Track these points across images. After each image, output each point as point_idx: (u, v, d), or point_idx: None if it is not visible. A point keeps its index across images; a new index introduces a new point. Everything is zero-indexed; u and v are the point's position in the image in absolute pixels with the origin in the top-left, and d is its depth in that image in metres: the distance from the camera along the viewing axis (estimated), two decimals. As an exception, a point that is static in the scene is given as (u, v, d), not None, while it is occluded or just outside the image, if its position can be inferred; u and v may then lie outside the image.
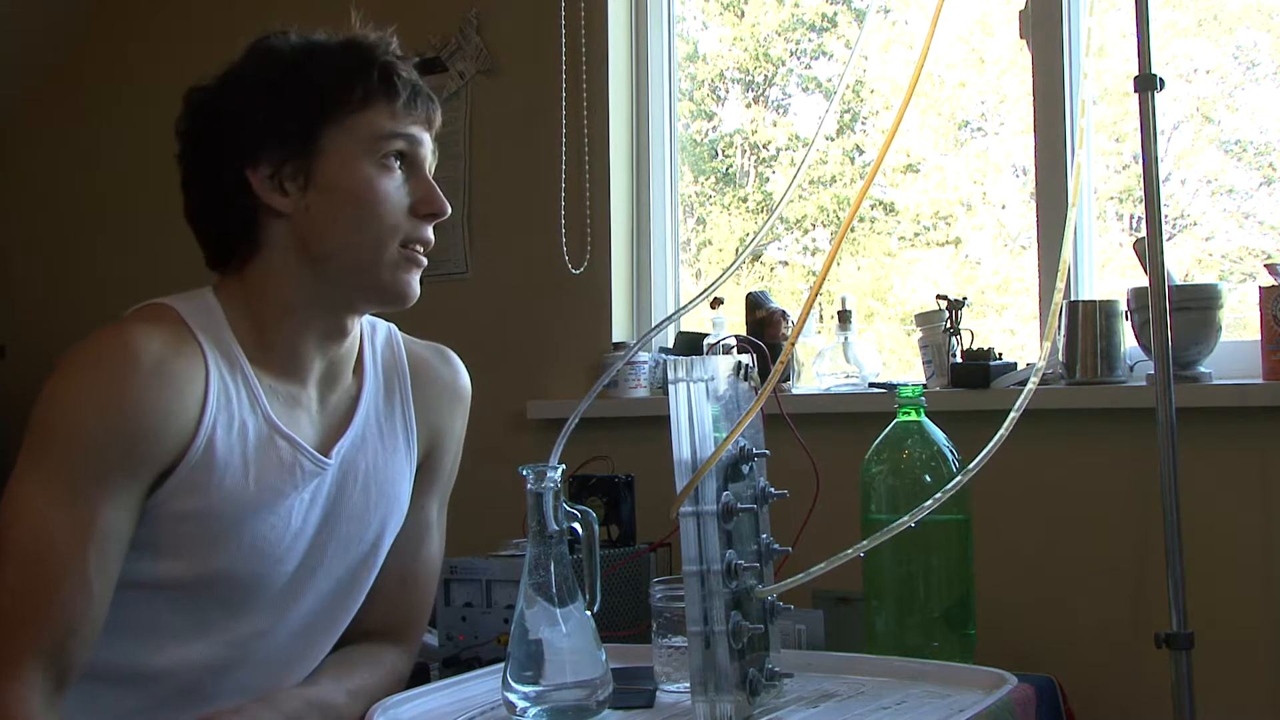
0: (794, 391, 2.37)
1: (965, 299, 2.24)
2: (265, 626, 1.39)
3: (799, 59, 2.92)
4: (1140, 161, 1.75)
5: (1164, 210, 1.86)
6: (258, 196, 1.35)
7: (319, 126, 1.34)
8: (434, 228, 1.41)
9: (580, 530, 1.30)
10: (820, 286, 1.36)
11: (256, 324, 1.37)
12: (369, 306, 1.43)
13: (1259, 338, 2.00)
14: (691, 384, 1.26)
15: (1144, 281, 1.83)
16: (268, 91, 1.36)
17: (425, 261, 1.40)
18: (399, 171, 1.37)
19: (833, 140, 2.84)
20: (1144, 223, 1.77)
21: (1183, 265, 2.40)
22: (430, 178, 1.40)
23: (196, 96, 1.41)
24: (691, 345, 2.46)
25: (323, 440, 1.41)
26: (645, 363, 2.56)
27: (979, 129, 2.72)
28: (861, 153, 2.84)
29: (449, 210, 1.40)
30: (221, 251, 1.40)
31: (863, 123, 2.85)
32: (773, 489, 1.38)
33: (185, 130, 1.41)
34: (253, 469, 1.33)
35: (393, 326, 1.55)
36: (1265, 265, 2.02)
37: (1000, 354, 2.20)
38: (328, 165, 1.34)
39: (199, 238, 1.42)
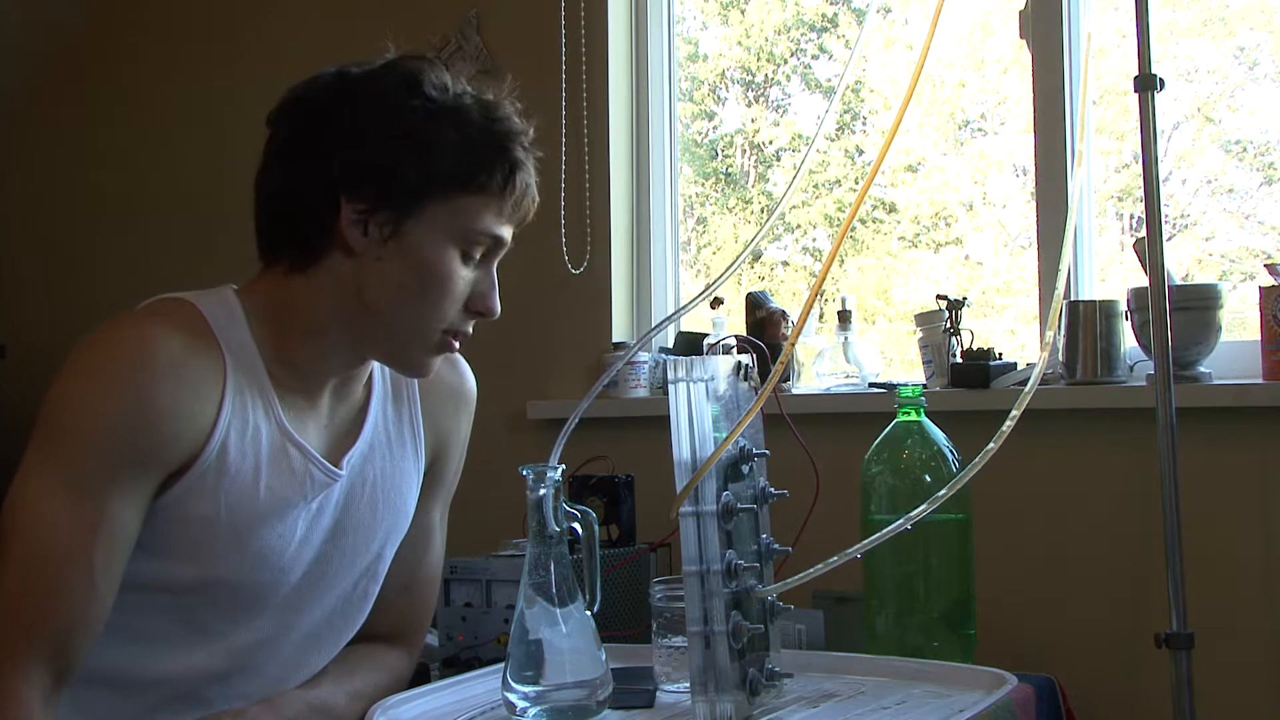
0: (794, 391, 2.37)
1: (965, 299, 2.24)
2: (267, 636, 1.38)
3: (799, 59, 2.93)
4: (1140, 161, 1.75)
5: (1164, 210, 1.86)
6: (340, 224, 1.30)
7: (430, 194, 1.30)
8: None
9: (580, 530, 1.30)
10: (820, 286, 1.36)
11: (280, 334, 1.34)
12: (386, 364, 1.42)
13: (1259, 338, 2.00)
14: (691, 384, 1.26)
15: (1144, 281, 1.83)
16: (400, 138, 1.29)
17: (456, 349, 1.39)
18: (475, 262, 1.35)
19: (834, 141, 2.84)
20: (1144, 223, 1.77)
21: (1183, 265, 2.40)
22: (495, 275, 1.38)
23: (332, 81, 1.33)
24: (691, 345, 2.46)
25: (331, 449, 1.39)
26: (645, 363, 2.56)
27: (979, 129, 2.72)
28: (862, 153, 2.84)
29: (498, 314, 1.38)
30: (277, 246, 1.35)
31: (863, 123, 2.85)
32: (773, 489, 1.38)
33: (298, 108, 1.34)
34: (264, 477, 1.31)
35: None
36: (1265, 265, 2.02)
37: (1000, 354, 2.20)
38: (419, 231, 1.30)
39: (261, 218, 1.35)
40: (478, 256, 1.34)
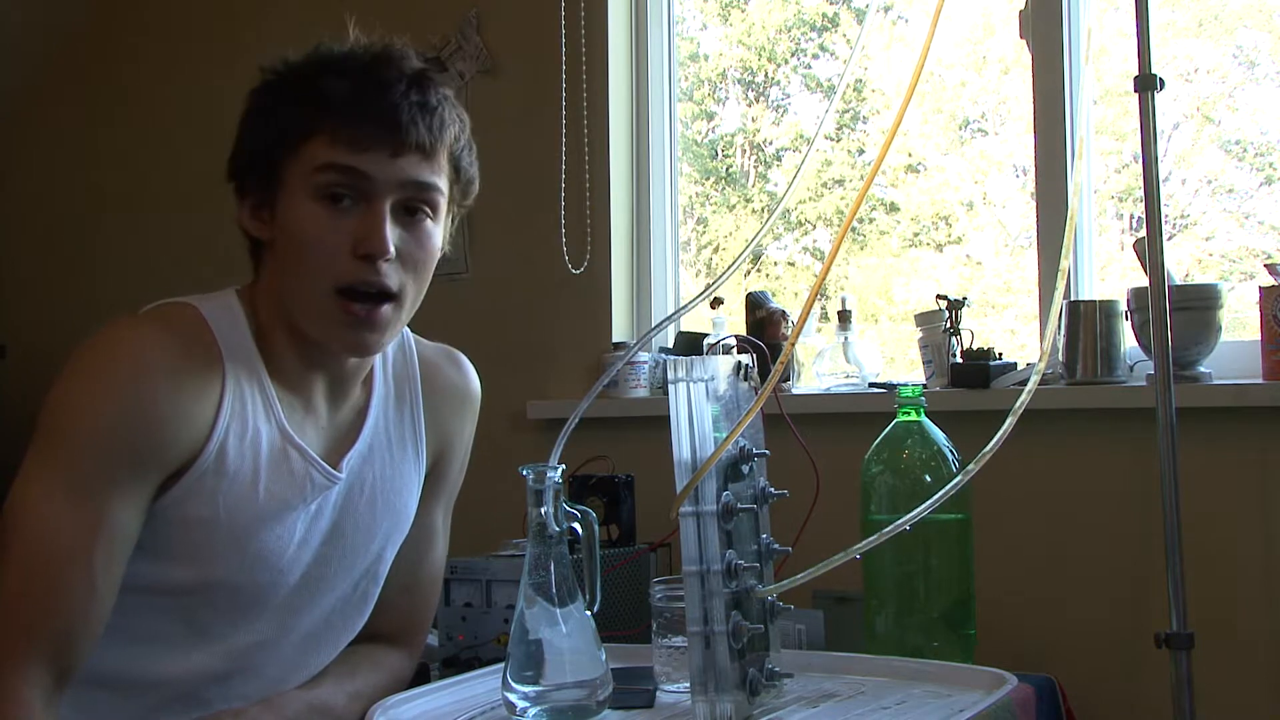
0: (794, 391, 2.37)
1: (965, 299, 2.24)
2: (266, 637, 1.38)
3: (800, 58, 2.93)
4: (1140, 161, 1.75)
5: (1164, 210, 1.86)
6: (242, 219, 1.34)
7: (278, 158, 1.29)
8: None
9: (580, 530, 1.30)
10: (820, 286, 1.36)
11: (268, 335, 1.34)
12: (331, 346, 1.34)
13: (1259, 338, 2.00)
14: (691, 384, 1.26)
15: (1144, 281, 1.83)
16: (246, 120, 1.34)
17: (368, 315, 1.28)
18: (348, 206, 1.27)
19: (836, 141, 2.84)
20: (1144, 223, 1.77)
21: (1183, 265, 2.40)
22: (384, 214, 1.27)
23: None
24: (691, 345, 2.46)
25: (330, 451, 1.39)
26: (645, 363, 2.56)
27: (979, 129, 2.72)
28: (863, 153, 2.84)
29: (387, 251, 1.26)
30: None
31: (864, 122, 2.85)
32: (773, 489, 1.38)
33: None
34: (263, 479, 1.31)
35: (406, 329, 1.48)
36: (1265, 265, 2.02)
37: (1000, 354, 2.20)
38: (283, 199, 1.30)
39: None
40: (347, 201, 1.27)
